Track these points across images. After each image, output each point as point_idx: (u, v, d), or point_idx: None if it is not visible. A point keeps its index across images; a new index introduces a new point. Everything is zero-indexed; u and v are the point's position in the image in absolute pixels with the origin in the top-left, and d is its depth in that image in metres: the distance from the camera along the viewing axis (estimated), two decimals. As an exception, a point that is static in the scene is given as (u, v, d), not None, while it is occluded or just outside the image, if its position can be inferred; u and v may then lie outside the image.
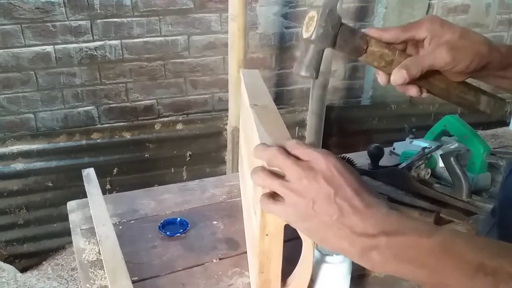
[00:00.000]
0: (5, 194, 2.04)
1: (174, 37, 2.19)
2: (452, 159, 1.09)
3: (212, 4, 2.18)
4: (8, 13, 1.91)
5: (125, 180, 2.19)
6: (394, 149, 1.36)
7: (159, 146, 2.25)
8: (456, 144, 1.17)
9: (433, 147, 1.16)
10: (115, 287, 0.76)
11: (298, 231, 0.55)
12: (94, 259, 0.87)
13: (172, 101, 2.31)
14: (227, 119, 2.11)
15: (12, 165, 2.03)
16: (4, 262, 2.05)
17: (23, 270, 2.10)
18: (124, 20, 2.08)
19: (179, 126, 2.28)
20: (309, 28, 0.58)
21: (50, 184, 2.10)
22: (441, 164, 1.18)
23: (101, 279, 0.82)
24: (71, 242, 2.15)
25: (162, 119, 2.30)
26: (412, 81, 0.58)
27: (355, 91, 2.67)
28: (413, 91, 0.60)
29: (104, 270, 0.83)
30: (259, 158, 0.53)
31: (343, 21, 0.59)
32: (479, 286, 0.40)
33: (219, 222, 1.00)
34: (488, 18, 2.76)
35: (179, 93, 2.30)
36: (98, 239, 0.89)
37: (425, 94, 0.62)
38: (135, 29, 2.11)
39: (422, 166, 1.17)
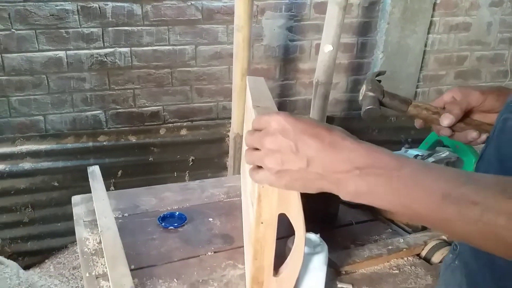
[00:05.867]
0: (12, 192, 2.10)
1: (182, 46, 2.26)
2: (442, 166, 1.13)
3: (220, 16, 2.26)
4: (24, 19, 1.99)
5: (129, 182, 2.24)
6: (389, 157, 1.40)
7: (163, 150, 2.31)
8: (447, 153, 1.21)
9: (425, 155, 1.20)
10: (113, 273, 0.81)
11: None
12: (95, 249, 0.92)
13: (177, 108, 2.37)
14: (230, 126, 2.16)
15: (20, 164, 2.10)
16: (7, 259, 2.10)
17: (25, 267, 2.14)
18: (135, 28, 2.16)
19: (183, 132, 2.33)
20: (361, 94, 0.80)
21: (56, 183, 2.16)
22: (432, 172, 1.21)
23: (101, 267, 0.87)
24: (73, 242, 2.23)
25: (167, 125, 2.36)
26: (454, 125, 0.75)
27: (356, 103, 2.71)
28: (472, 135, 0.75)
29: (104, 259, 0.87)
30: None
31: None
32: (445, 213, 0.46)
33: (216, 219, 1.04)
34: (489, 37, 2.81)
35: (184, 101, 2.36)
36: (99, 230, 0.93)
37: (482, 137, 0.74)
38: (145, 38, 2.18)
39: (414, 173, 1.21)
